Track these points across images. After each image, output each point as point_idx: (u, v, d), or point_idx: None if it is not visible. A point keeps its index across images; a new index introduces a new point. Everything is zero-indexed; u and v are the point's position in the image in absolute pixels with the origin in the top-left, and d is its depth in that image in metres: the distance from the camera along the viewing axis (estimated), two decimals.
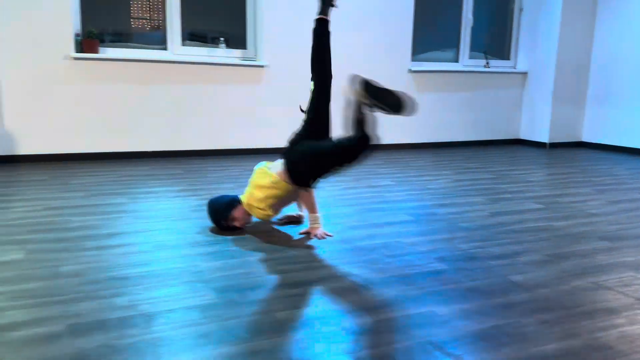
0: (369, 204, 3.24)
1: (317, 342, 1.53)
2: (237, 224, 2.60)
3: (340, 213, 3.01)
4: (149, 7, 5.08)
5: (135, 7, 5.04)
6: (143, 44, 4.99)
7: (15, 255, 2.21)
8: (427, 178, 4.15)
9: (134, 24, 5.07)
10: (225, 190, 3.54)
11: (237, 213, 2.58)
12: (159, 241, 2.43)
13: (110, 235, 2.50)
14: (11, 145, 4.43)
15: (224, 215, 2.57)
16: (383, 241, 2.50)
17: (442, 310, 1.75)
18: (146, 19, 5.10)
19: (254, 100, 5.21)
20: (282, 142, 5.51)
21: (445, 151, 5.82)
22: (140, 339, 1.52)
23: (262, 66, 5.19)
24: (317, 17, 3.00)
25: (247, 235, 2.55)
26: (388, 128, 5.87)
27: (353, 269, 2.12)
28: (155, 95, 4.83)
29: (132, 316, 1.67)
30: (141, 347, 1.48)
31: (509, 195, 3.57)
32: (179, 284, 1.93)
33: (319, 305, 1.77)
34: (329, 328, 1.61)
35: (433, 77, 6.03)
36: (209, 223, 2.72)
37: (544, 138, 6.37)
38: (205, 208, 2.99)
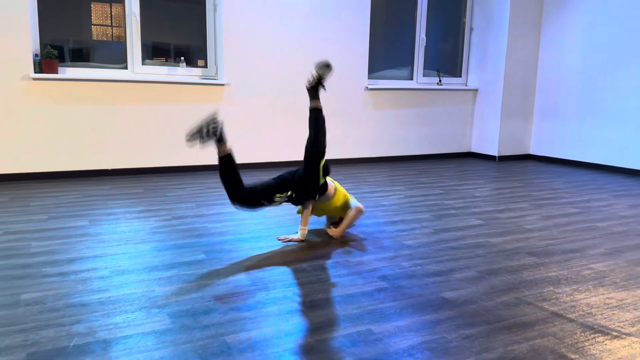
0: (321, 223, 3.42)
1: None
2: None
3: (293, 231, 3.18)
4: (109, 23, 5.15)
5: (96, 22, 5.11)
6: (102, 62, 5.05)
7: None
8: (381, 194, 4.37)
9: (94, 39, 5.13)
10: (186, 210, 3.66)
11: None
12: (117, 266, 2.54)
13: (71, 261, 2.60)
14: None
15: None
16: (331, 261, 2.68)
17: (377, 328, 1.94)
18: (105, 38, 5.17)
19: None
20: (244, 157, 5.67)
21: (401, 165, 6.07)
22: None
23: (222, 84, 5.33)
24: (312, 107, 3.03)
25: (203, 257, 2.70)
26: (345, 143, 6.09)
27: (300, 290, 2.29)
28: (116, 114, 4.90)
29: (90, 343, 1.79)
30: None
31: (454, 212, 3.82)
32: (135, 310, 2.06)
33: (267, 328, 1.94)
34: (274, 350, 1.78)
35: (389, 94, 6.28)
36: (167, 245, 2.85)
37: (494, 151, 6.72)
38: (163, 229, 3.11)
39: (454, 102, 6.78)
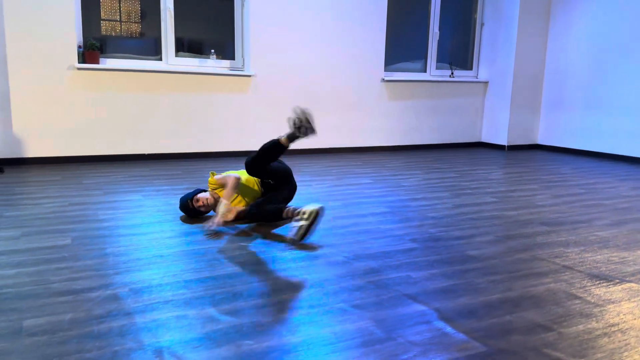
0: (353, 199, 3.77)
1: (321, 298, 2.05)
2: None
3: (330, 206, 3.53)
4: (144, 20, 5.51)
5: (131, 18, 5.47)
6: (138, 54, 5.41)
7: (64, 241, 2.65)
8: (401, 177, 4.72)
9: (129, 34, 5.49)
10: None
11: None
12: (182, 230, 2.90)
13: (140, 225, 2.96)
14: (21, 148, 4.80)
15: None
16: (367, 228, 3.03)
17: (415, 274, 2.30)
18: (140, 32, 5.52)
19: (241, 108, 5.69)
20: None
21: (415, 153, 6.42)
22: (189, 296, 2.01)
23: (249, 76, 5.68)
24: (278, 140, 2.93)
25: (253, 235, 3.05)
26: (363, 132, 6.44)
27: (346, 248, 2.64)
28: (152, 102, 5.26)
29: (178, 282, 2.15)
30: (191, 301, 1.96)
31: (470, 191, 4.17)
32: (207, 260, 2.42)
33: (322, 273, 2.29)
34: (333, 287, 2.13)
35: (403, 86, 6.62)
36: None
37: (503, 141, 7.05)
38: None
39: (465, 94, 7.12)
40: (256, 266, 2.36)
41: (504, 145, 7.04)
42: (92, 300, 1.96)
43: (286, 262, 2.43)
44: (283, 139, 2.91)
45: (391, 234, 2.91)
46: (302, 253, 2.56)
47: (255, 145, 5.80)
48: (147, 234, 2.80)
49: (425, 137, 6.92)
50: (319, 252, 2.58)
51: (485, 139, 7.33)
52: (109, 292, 2.04)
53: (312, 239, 2.79)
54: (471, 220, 3.26)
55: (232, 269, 2.32)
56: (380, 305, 1.97)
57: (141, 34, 5.53)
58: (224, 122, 5.63)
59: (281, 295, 2.04)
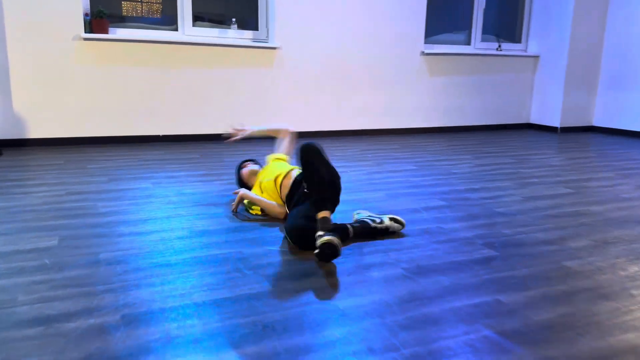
0: (398, 189, 3.17)
1: (386, 338, 1.47)
2: None
3: (372, 198, 2.94)
4: None
5: None
6: (151, 24, 4.84)
7: (50, 241, 2.12)
8: (449, 162, 4.09)
9: (141, 5, 4.91)
10: None
11: None
12: (194, 227, 2.35)
13: (144, 221, 2.42)
14: (22, 129, 4.30)
15: None
16: (424, 227, 2.44)
17: (506, 298, 1.70)
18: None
19: (265, 84, 5.10)
20: (295, 126, 5.44)
21: (458, 136, 5.76)
22: (200, 329, 1.45)
23: (273, 48, 5.07)
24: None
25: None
26: (398, 112, 5.80)
27: (404, 256, 2.06)
28: (166, 77, 4.70)
29: (187, 305, 1.59)
30: (202, 339, 1.41)
31: (536, 180, 3.52)
32: (229, 270, 1.86)
33: (379, 293, 1.71)
34: (397, 318, 1.55)
35: (445, 60, 5.93)
36: (242, 209, 2.64)
37: (555, 122, 6.33)
38: (230, 192, 2.93)
39: (513, 70, 6.39)
40: (292, 282, 1.79)
41: (556, 127, 6.32)
42: (67, 335, 1.41)
43: (330, 276, 1.85)
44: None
45: (458, 237, 2.30)
46: (348, 262, 1.98)
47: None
48: (153, 233, 2.25)
49: (468, 117, 6.24)
50: (369, 260, 2.00)
51: (535, 120, 6.60)
52: (92, 321, 1.49)
53: (360, 240, 2.21)
54: (552, 219, 2.63)
55: (260, 286, 1.75)
56: (472, 356, 1.38)
57: (156, 10, 4.95)
58: (246, 99, 5.05)
59: (328, 331, 1.47)
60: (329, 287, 1.75)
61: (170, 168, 3.62)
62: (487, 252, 2.11)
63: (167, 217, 2.48)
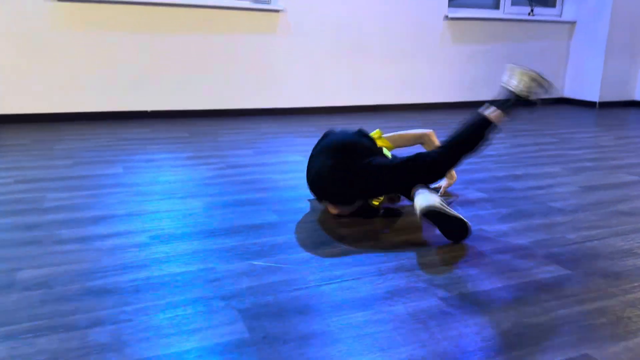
0: None
1: None
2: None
3: None
4: None
5: None
6: None
7: None
8: None
9: None
10: (244, 157, 2.89)
11: None
12: (159, 229, 1.79)
13: (96, 220, 1.87)
14: None
15: None
16: None
17: (597, 353, 1.12)
18: None
19: (267, 53, 4.49)
20: (302, 101, 4.85)
21: None
22: None
23: (277, 11, 4.45)
24: (486, 118, 1.83)
25: (275, 219, 1.91)
26: (420, 86, 5.16)
27: (443, 277, 1.49)
28: (154, 45, 4.11)
29: None
30: None
31: (590, 164, 2.91)
32: (188, 303, 1.30)
33: (402, 347, 1.15)
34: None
35: (471, 25, 5.26)
36: (224, 201, 2.08)
37: (594, 96, 5.64)
38: (218, 180, 2.36)
39: (546, 37, 5.69)
40: (339, 322, 1.23)
41: (594, 102, 5.64)
42: None
43: (320, 314, 1.29)
44: (495, 115, 1.80)
45: (512, 245, 1.72)
46: (355, 287, 1.41)
47: (283, 103, 4.62)
48: (102, 239, 1.70)
49: (496, 90, 5.58)
50: (389, 284, 1.43)
51: (569, 93, 5.92)
52: None
53: (349, 253, 1.64)
54: (625, 217, 2.03)
55: (239, 337, 1.19)
56: None
57: None
58: (245, 70, 4.45)
59: None
60: (385, 334, 1.19)
61: (152, 149, 3.07)
62: (555, 270, 1.53)
63: (127, 215, 1.93)
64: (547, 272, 1.51)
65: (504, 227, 1.88)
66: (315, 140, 3.41)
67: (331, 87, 4.79)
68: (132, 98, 4.13)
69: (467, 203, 2.15)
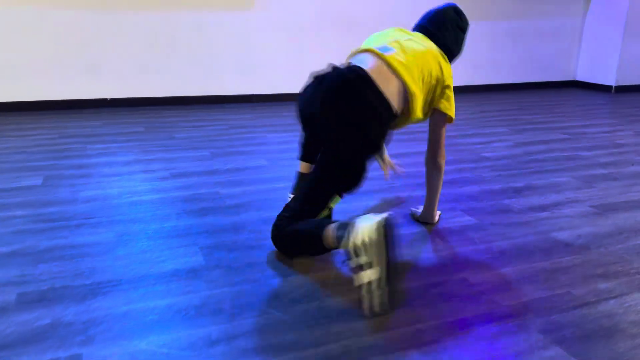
0: (391, 189, 2.14)
1: None
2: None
3: (338, 208, 1.92)
4: None
5: None
6: None
7: None
8: (479, 141, 3.02)
9: None
10: (194, 162, 2.46)
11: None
12: (58, 275, 1.38)
13: None
14: None
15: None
16: (432, 279, 1.42)
17: None
18: None
19: (244, 32, 4.00)
20: (282, 87, 4.38)
21: (491, 97, 4.63)
22: None
23: None
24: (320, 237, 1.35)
25: (201, 262, 1.49)
26: None
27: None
28: (114, 23, 3.64)
29: None
30: None
31: (604, 171, 2.44)
32: None
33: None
34: None
35: (475, 2, 4.72)
36: (150, 231, 1.65)
37: (609, 80, 5.12)
38: (148, 197, 1.93)
39: (556, 12, 5.14)
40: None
41: (610, 86, 5.12)
42: None
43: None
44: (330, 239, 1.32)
45: (499, 311, 1.29)
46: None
47: (262, 89, 4.15)
48: None
49: (501, 73, 5.07)
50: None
51: (582, 76, 5.39)
52: None
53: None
54: None
55: None
56: None
57: None
58: (218, 53, 3.97)
59: None
60: None
61: (91, 150, 2.64)
62: (556, 357, 1.10)
63: (23, 248, 1.51)
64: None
65: (491, 276, 1.44)
66: (290, 137, 2.97)
67: (316, 68, 4.31)
68: (87, 84, 3.68)
69: (448, 233, 1.71)
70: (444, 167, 1.69)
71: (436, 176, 1.69)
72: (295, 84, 4.25)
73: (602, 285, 1.41)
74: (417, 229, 1.74)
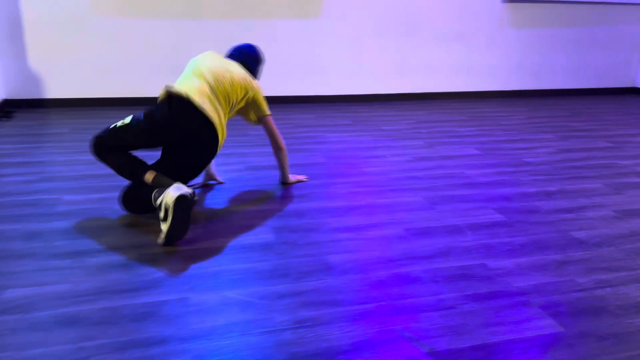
0: (444, 189, 2.44)
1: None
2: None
3: (400, 202, 2.25)
4: None
5: None
6: None
7: None
8: (524, 145, 3.25)
9: None
10: (266, 156, 2.86)
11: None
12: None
13: None
14: (37, 87, 3.96)
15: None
16: (463, 262, 1.74)
17: None
18: None
19: (308, 41, 4.39)
20: (340, 88, 4.73)
21: (542, 103, 4.77)
22: None
23: None
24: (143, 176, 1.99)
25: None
26: (471, 71, 4.88)
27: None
28: (196, 28, 4.13)
29: None
30: None
31: (638, 180, 2.63)
32: None
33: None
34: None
35: (533, 8, 4.87)
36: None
37: None
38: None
39: (617, 20, 5.17)
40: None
41: None
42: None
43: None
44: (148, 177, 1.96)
45: (509, 289, 1.59)
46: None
47: (328, 90, 4.53)
48: None
49: (558, 79, 5.18)
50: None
51: None
52: None
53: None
54: None
55: None
56: None
57: None
58: (286, 60, 4.38)
59: None
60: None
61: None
62: (546, 326, 1.40)
63: None
64: (536, 328, 1.38)
65: (509, 263, 1.74)
66: (346, 137, 3.32)
67: (375, 73, 4.63)
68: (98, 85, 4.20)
69: (478, 227, 2.01)
70: (284, 146, 2.33)
71: (281, 154, 2.33)
72: (355, 86, 4.59)
73: (603, 276, 1.67)
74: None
